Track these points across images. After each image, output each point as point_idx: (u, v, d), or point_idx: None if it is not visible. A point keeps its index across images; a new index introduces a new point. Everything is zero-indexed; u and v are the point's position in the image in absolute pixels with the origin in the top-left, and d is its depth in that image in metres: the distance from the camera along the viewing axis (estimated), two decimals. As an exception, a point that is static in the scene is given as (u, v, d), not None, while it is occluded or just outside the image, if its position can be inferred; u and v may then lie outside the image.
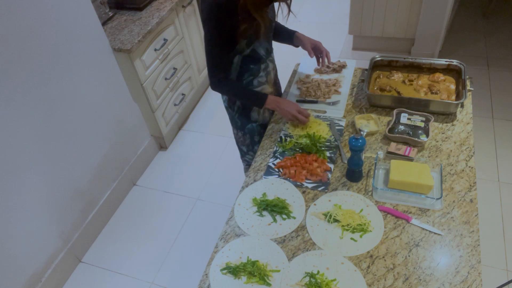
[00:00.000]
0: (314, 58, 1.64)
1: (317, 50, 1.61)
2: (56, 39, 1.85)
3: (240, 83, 1.52)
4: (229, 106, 1.66)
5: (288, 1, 1.32)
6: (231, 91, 1.53)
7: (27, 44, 1.72)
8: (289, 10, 1.38)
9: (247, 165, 1.91)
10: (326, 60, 1.60)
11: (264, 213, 1.31)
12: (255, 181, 1.42)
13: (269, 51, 1.56)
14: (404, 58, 1.72)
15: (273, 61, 1.62)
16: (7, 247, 1.80)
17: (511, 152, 2.50)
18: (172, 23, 2.55)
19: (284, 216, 1.28)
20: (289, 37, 1.64)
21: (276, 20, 1.50)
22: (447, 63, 1.66)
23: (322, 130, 1.53)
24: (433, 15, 2.97)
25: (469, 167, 1.35)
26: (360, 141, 1.24)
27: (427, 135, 1.42)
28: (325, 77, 1.79)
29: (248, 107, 1.63)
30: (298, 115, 1.47)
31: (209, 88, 3.33)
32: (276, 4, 1.40)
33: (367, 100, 1.64)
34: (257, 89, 1.59)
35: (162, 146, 2.88)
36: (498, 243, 2.07)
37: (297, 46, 1.66)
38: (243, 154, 1.86)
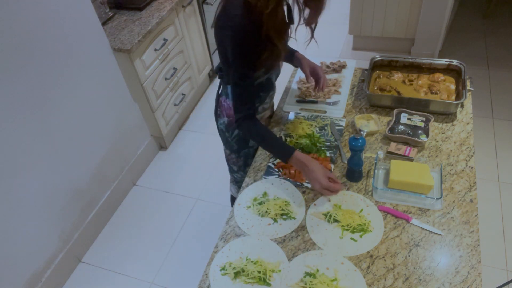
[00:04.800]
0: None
1: (315, 75, 1.56)
2: (56, 39, 1.85)
3: (266, 127, 1.33)
4: (226, 130, 1.54)
5: (313, 27, 1.25)
6: (256, 134, 1.32)
7: (27, 44, 1.72)
8: (312, 36, 1.30)
9: (234, 180, 1.79)
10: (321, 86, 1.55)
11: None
12: (255, 181, 1.41)
13: (277, 76, 1.51)
14: (404, 58, 1.72)
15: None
16: (7, 247, 1.80)
17: (511, 152, 2.50)
18: (172, 23, 2.55)
19: (284, 216, 1.28)
20: (289, 56, 1.58)
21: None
22: (447, 63, 1.66)
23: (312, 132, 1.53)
24: (433, 15, 2.97)
25: (469, 167, 1.35)
26: (360, 141, 1.24)
27: (427, 135, 1.42)
28: (325, 77, 1.79)
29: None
30: (329, 185, 1.24)
31: (209, 88, 3.34)
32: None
33: (367, 100, 1.64)
34: (260, 115, 1.51)
35: (162, 146, 2.88)
36: (498, 243, 2.07)
37: (296, 67, 1.60)
38: (232, 171, 1.75)
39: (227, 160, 1.71)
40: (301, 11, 1.20)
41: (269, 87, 1.47)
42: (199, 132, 2.97)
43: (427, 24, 3.04)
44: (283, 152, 1.31)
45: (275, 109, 1.71)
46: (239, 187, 1.72)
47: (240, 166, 1.66)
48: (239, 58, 1.22)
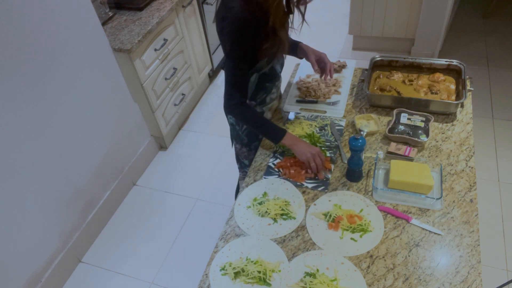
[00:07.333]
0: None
1: (321, 62, 1.55)
2: (56, 39, 1.85)
3: (258, 112, 1.40)
4: (237, 124, 1.58)
5: (303, 11, 1.25)
6: (248, 119, 1.40)
7: (27, 44, 1.72)
8: (303, 19, 1.29)
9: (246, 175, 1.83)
10: (328, 73, 1.55)
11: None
12: (255, 181, 1.42)
13: (282, 66, 1.51)
14: (404, 58, 1.72)
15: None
16: (7, 247, 1.80)
17: (511, 152, 2.50)
18: (172, 23, 2.55)
19: (284, 216, 1.28)
20: (293, 48, 1.57)
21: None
22: (447, 63, 1.66)
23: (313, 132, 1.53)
24: (433, 15, 2.97)
25: (469, 167, 1.35)
26: (360, 141, 1.24)
27: (427, 135, 1.42)
28: (325, 77, 1.79)
29: None
30: (315, 157, 1.35)
31: (209, 88, 3.34)
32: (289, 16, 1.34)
33: (367, 100, 1.64)
34: (269, 106, 1.53)
35: (162, 146, 2.88)
36: (498, 243, 2.07)
37: (301, 58, 1.59)
38: (243, 167, 1.76)
39: (238, 155, 1.72)
40: None
41: (274, 77, 1.47)
42: (199, 132, 2.97)
43: (427, 24, 3.04)
44: (276, 133, 1.39)
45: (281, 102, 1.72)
46: None
47: (251, 160, 1.66)
48: (236, 49, 1.26)
